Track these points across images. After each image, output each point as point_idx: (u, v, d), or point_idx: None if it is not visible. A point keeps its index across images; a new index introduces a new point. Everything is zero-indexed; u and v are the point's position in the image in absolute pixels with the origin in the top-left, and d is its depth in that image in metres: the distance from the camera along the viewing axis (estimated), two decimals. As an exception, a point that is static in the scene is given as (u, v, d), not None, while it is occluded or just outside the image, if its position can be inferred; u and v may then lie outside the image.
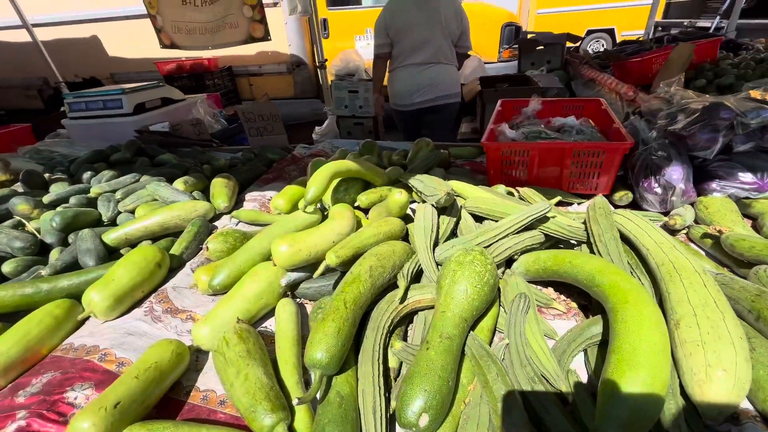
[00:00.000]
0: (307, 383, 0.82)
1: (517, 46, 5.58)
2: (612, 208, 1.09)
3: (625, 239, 1.01)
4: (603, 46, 7.19)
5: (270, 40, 4.19)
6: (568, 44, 5.17)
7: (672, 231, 1.22)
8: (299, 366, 0.83)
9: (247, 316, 0.95)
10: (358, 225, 1.20)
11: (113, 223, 1.51)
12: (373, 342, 0.80)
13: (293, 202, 1.39)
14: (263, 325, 1.02)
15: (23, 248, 1.27)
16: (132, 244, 1.36)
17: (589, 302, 0.97)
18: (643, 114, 1.53)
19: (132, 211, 1.54)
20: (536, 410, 0.67)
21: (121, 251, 1.33)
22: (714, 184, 1.27)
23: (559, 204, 1.38)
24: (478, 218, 1.22)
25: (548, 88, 3.78)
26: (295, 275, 1.05)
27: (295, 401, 0.69)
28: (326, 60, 5.07)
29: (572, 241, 1.10)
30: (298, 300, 1.07)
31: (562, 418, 0.65)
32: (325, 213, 1.35)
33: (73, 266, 1.21)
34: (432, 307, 0.92)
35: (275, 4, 6.47)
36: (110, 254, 1.29)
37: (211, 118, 3.77)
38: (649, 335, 0.65)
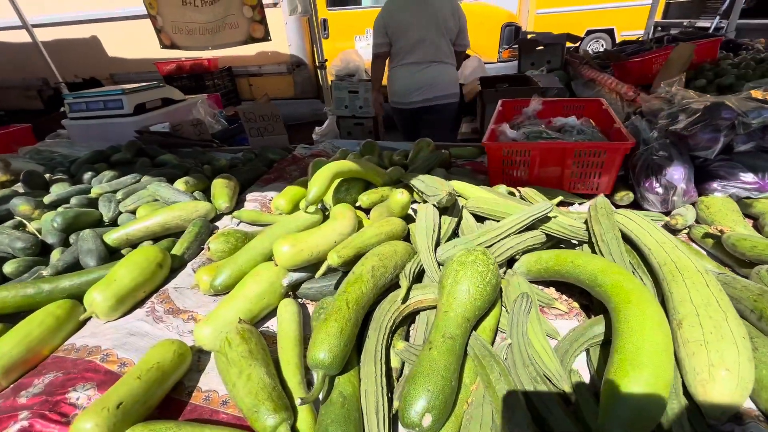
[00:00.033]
0: (309, 383, 0.82)
1: (517, 46, 5.58)
2: (613, 208, 1.09)
3: (626, 239, 1.01)
4: (602, 46, 7.20)
5: (270, 40, 4.19)
6: (568, 44, 5.16)
7: (673, 231, 1.22)
8: (301, 366, 0.83)
9: (249, 316, 0.95)
10: (360, 225, 1.20)
11: (114, 223, 1.51)
12: (376, 342, 0.80)
13: (294, 202, 1.39)
14: (265, 325, 1.02)
15: (24, 249, 1.27)
16: (133, 244, 1.36)
17: (590, 302, 0.97)
18: (644, 114, 1.53)
19: (133, 212, 1.54)
20: (539, 410, 0.67)
21: (122, 252, 1.33)
22: (715, 184, 1.27)
23: (560, 204, 1.38)
24: (480, 218, 1.22)
25: (548, 88, 3.78)
26: (296, 275, 1.05)
27: (297, 401, 0.69)
28: (326, 60, 5.08)
29: (574, 241, 1.10)
30: (299, 300, 1.07)
31: (565, 418, 0.65)
32: (327, 213, 1.35)
33: (75, 267, 1.21)
34: (434, 307, 0.92)
35: (275, 5, 6.47)
36: (111, 255, 1.29)
37: (212, 119, 3.78)
38: (652, 335, 0.65)
